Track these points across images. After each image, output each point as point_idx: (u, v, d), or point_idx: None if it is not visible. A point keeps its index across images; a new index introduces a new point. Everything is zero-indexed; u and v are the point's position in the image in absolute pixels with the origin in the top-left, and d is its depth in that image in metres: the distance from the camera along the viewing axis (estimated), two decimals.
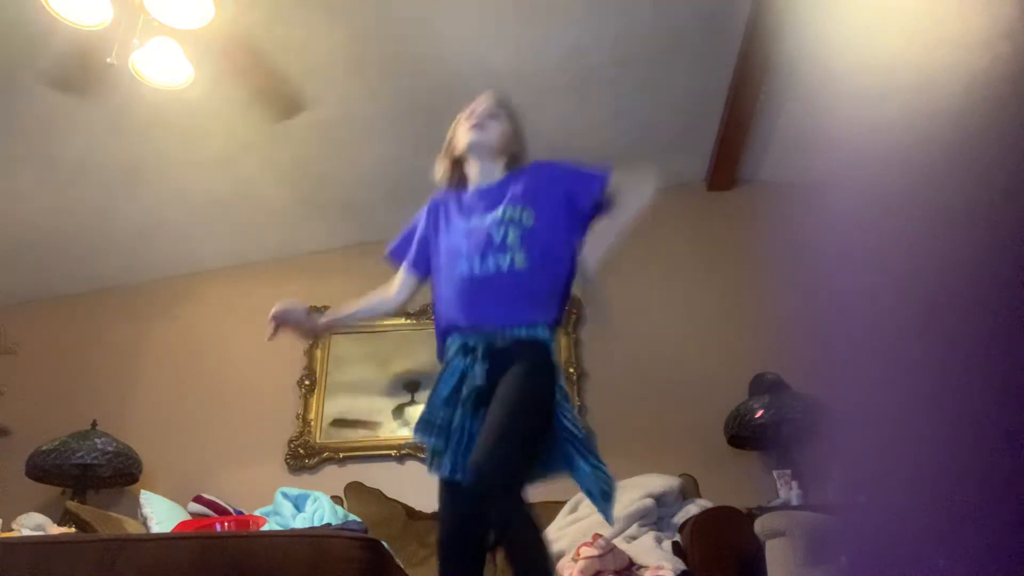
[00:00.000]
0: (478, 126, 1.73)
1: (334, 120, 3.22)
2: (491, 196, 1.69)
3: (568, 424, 1.52)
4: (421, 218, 1.82)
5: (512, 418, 1.43)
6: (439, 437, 1.51)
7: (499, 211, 1.64)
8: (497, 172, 1.75)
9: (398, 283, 1.84)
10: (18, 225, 3.54)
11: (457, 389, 1.53)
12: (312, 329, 1.83)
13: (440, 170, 1.81)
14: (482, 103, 1.78)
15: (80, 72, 2.38)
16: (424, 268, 1.80)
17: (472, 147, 1.73)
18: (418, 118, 3.19)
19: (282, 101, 2.58)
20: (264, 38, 2.60)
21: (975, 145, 0.38)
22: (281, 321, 1.72)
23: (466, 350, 1.56)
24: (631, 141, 3.61)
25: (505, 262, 1.57)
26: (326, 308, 3.82)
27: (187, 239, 3.86)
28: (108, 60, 2.23)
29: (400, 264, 1.84)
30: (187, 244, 3.89)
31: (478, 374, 1.50)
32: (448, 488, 1.52)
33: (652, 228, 3.92)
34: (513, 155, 1.77)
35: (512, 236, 1.60)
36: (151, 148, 3.24)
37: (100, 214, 3.56)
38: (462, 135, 1.75)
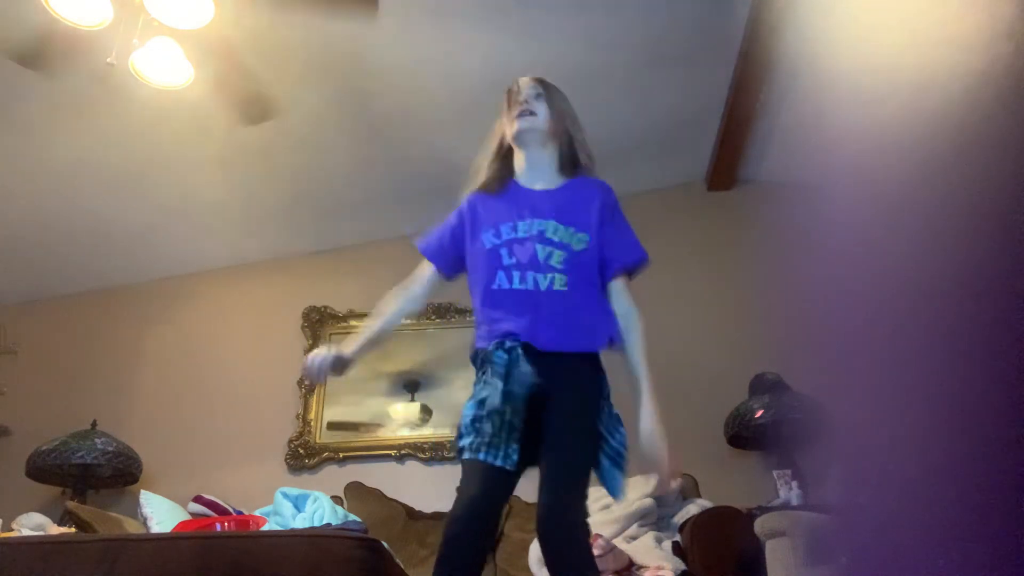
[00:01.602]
0: (525, 111, 1.63)
1: (334, 120, 3.22)
2: (540, 202, 1.59)
3: (617, 444, 1.48)
4: (456, 216, 1.69)
5: (577, 453, 1.41)
6: (489, 450, 1.40)
7: (549, 226, 1.55)
8: (548, 161, 1.66)
9: (425, 281, 1.69)
10: (18, 225, 3.54)
11: (506, 402, 1.42)
12: (344, 366, 1.62)
13: (485, 174, 1.68)
14: (523, 87, 1.67)
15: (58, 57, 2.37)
16: (453, 268, 1.68)
17: (519, 135, 1.63)
18: (416, 118, 3.19)
19: (254, 106, 2.57)
20: (264, 38, 2.60)
21: (975, 145, 0.38)
22: (314, 378, 1.59)
23: (508, 350, 1.46)
24: (631, 141, 3.61)
25: (545, 283, 1.50)
26: (326, 308, 3.87)
27: (187, 239, 3.86)
28: (108, 60, 2.24)
29: (430, 260, 1.70)
30: (187, 244, 3.89)
31: (528, 371, 1.42)
32: (482, 470, 1.40)
33: (652, 228, 3.94)
34: (566, 142, 1.67)
35: (557, 258, 1.52)
36: (151, 148, 3.24)
37: (100, 214, 3.56)
38: (509, 125, 1.64)
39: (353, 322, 3.88)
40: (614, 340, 1.55)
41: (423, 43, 2.93)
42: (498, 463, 1.37)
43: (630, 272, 1.64)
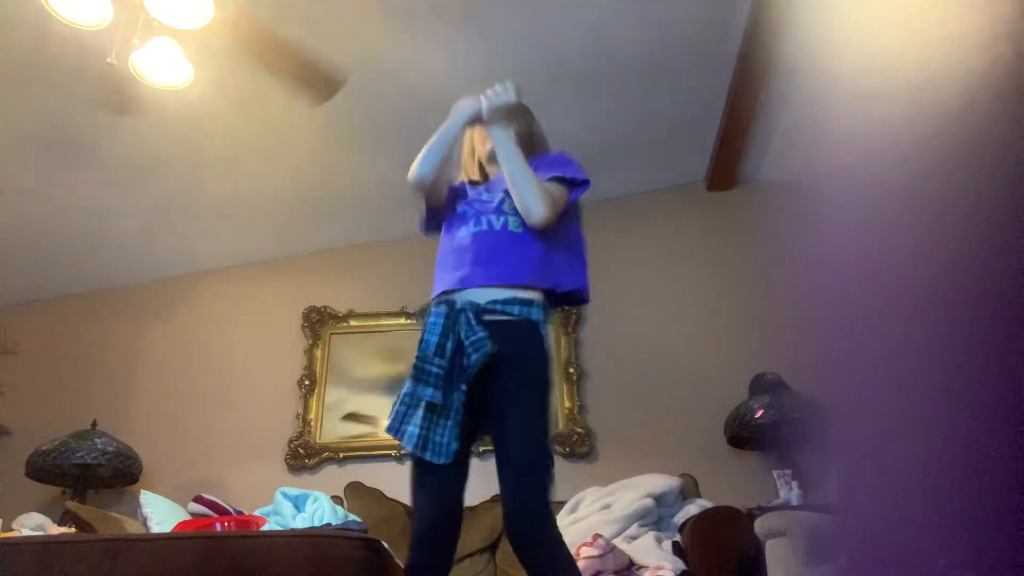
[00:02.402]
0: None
1: (333, 120, 3.22)
2: (501, 178, 1.75)
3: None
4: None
5: (534, 448, 1.43)
6: (437, 388, 1.46)
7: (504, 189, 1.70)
8: None
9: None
10: (18, 225, 3.54)
11: (445, 337, 1.49)
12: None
13: (466, 175, 1.89)
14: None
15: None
16: (432, 211, 1.82)
17: (492, 157, 1.79)
18: (416, 119, 3.19)
19: (320, 82, 2.54)
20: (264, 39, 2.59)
21: (976, 145, 0.38)
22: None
23: (450, 307, 1.54)
24: (631, 141, 3.61)
25: (499, 223, 1.64)
26: (326, 308, 3.88)
27: (187, 239, 3.86)
28: (108, 60, 2.24)
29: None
30: (187, 244, 3.89)
31: (484, 343, 1.46)
32: (426, 471, 1.46)
33: (652, 228, 3.96)
34: (532, 154, 1.80)
35: (508, 204, 1.67)
36: (151, 148, 3.24)
37: (100, 214, 3.56)
38: (481, 145, 1.84)
39: (353, 322, 3.89)
40: (552, 299, 1.68)
41: (425, 42, 2.93)
42: (428, 456, 1.44)
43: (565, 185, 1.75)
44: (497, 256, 1.60)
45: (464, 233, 1.66)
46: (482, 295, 1.56)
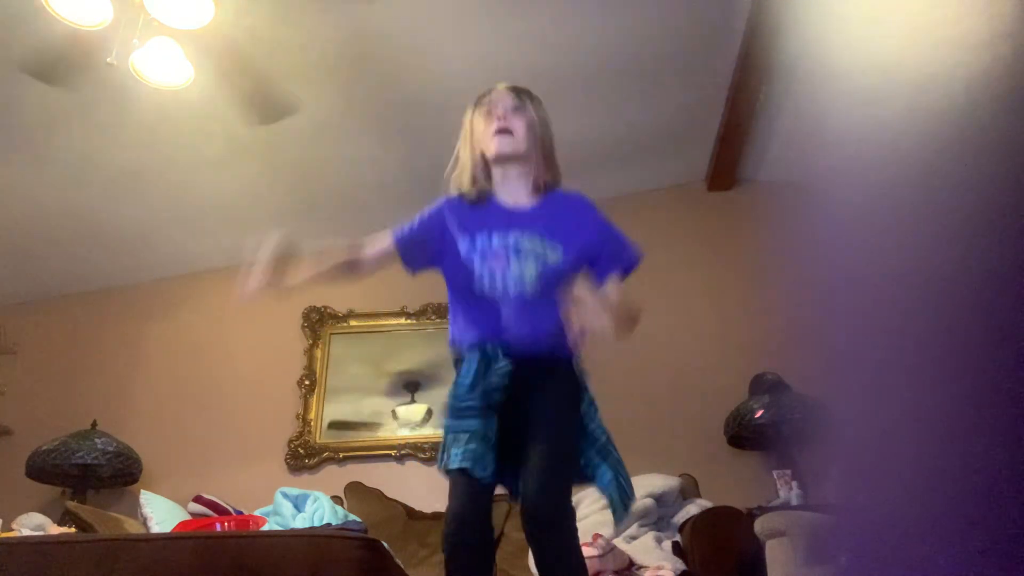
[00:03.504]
0: (503, 131, 1.57)
1: (333, 120, 3.22)
2: (517, 218, 1.57)
3: (595, 428, 1.51)
4: (428, 214, 1.65)
5: (563, 443, 1.44)
6: (476, 419, 1.44)
7: (524, 238, 1.54)
8: (522, 180, 1.61)
9: (380, 252, 1.66)
10: (18, 225, 3.54)
11: (477, 381, 1.47)
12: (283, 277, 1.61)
13: (464, 180, 1.63)
14: (501, 98, 1.61)
15: (76, 69, 2.38)
16: (414, 262, 1.65)
17: (498, 158, 1.59)
18: (415, 119, 3.19)
19: (268, 105, 2.56)
20: (265, 38, 2.60)
21: (975, 145, 0.38)
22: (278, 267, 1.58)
23: (483, 352, 1.51)
24: (631, 141, 3.61)
25: (515, 289, 1.51)
26: (326, 308, 3.87)
27: (187, 239, 3.86)
28: (108, 60, 2.24)
29: (397, 246, 1.66)
30: (187, 244, 3.89)
31: (502, 370, 1.45)
32: (464, 482, 1.42)
33: (652, 228, 3.95)
34: (542, 158, 1.62)
35: (530, 268, 1.52)
36: (151, 148, 3.24)
37: (100, 214, 3.56)
38: (487, 142, 1.59)
39: (353, 322, 3.88)
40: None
41: (425, 42, 2.93)
42: (476, 473, 1.40)
43: (625, 271, 1.65)
44: (530, 317, 1.52)
45: (477, 288, 1.54)
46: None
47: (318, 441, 3.58)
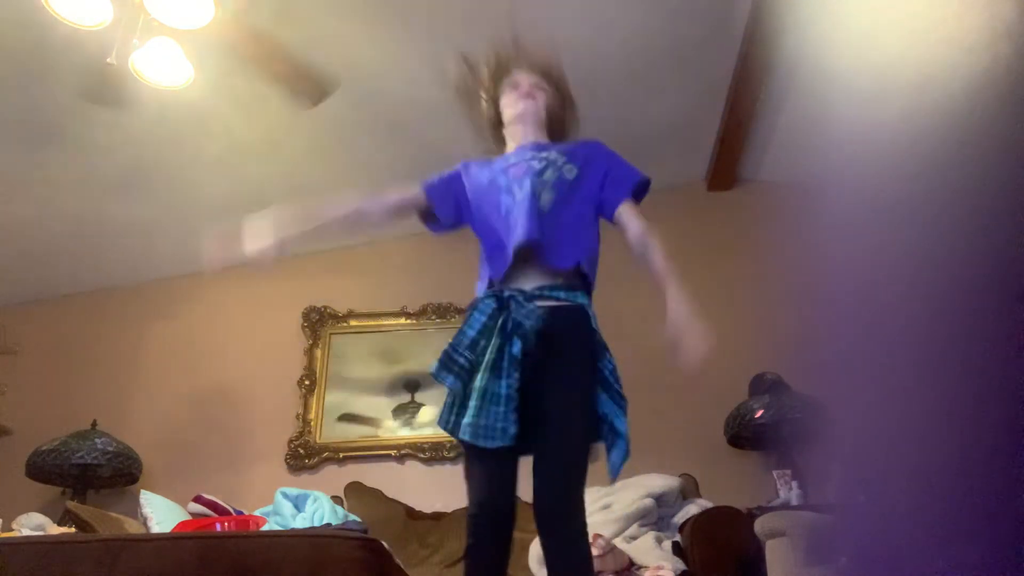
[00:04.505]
0: (528, 95, 1.73)
1: (333, 119, 3.22)
2: (534, 146, 1.68)
3: (609, 377, 1.53)
4: (451, 170, 1.78)
5: (583, 433, 1.44)
6: (458, 378, 1.43)
7: (541, 153, 1.63)
8: (540, 129, 1.76)
9: (401, 199, 1.75)
10: (18, 225, 3.54)
11: (482, 335, 1.44)
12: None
13: (494, 147, 1.78)
14: (522, 81, 1.76)
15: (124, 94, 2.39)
16: (441, 204, 1.71)
17: (520, 117, 1.72)
18: (415, 119, 3.19)
19: (310, 84, 2.53)
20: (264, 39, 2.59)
21: (975, 145, 0.38)
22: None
23: (499, 300, 1.48)
24: (631, 141, 3.60)
25: (536, 197, 1.55)
26: (326, 308, 3.87)
27: (187, 239, 3.85)
28: (108, 60, 2.24)
29: (427, 193, 1.74)
30: (187, 244, 3.88)
31: (535, 312, 1.42)
32: (478, 455, 1.41)
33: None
34: (559, 128, 1.78)
35: (549, 174, 1.59)
36: (151, 148, 3.24)
37: (100, 214, 3.56)
38: (510, 105, 1.74)
39: (353, 322, 3.88)
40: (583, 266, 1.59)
41: (424, 43, 2.93)
42: (480, 443, 1.37)
43: (636, 196, 1.74)
44: (545, 228, 1.53)
45: (507, 202, 1.58)
46: (529, 282, 1.52)
47: (318, 441, 3.58)
